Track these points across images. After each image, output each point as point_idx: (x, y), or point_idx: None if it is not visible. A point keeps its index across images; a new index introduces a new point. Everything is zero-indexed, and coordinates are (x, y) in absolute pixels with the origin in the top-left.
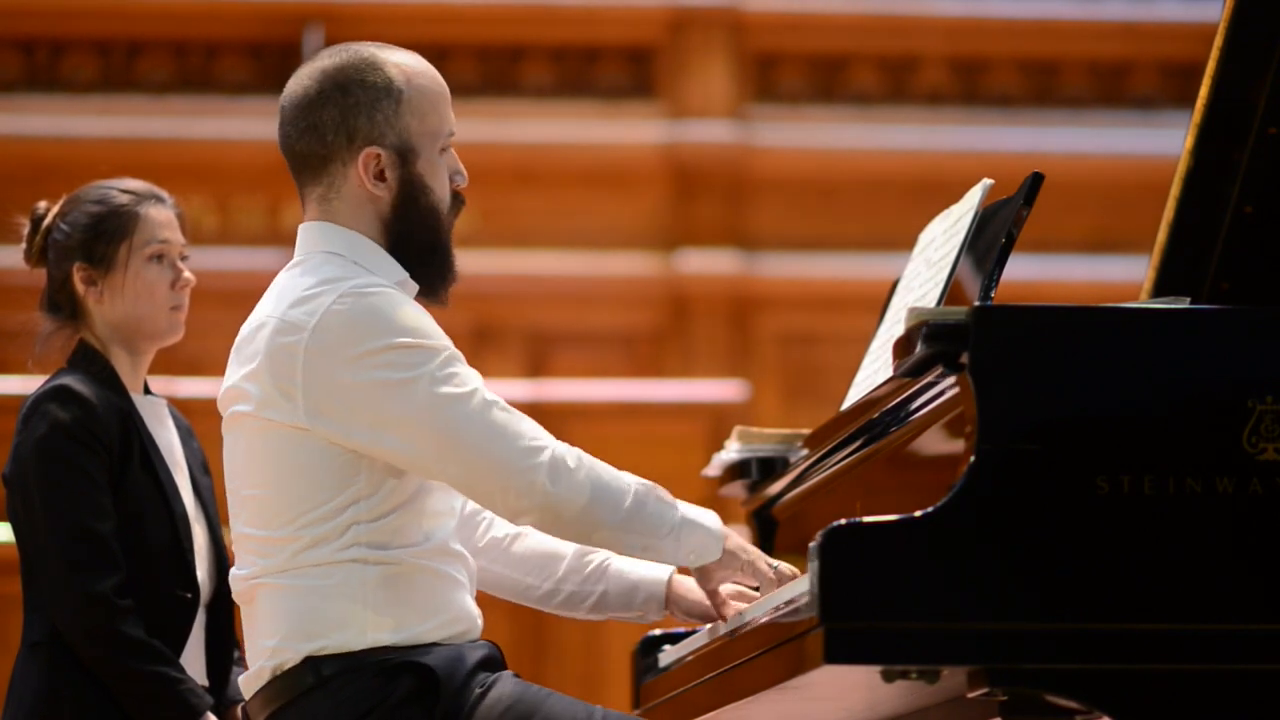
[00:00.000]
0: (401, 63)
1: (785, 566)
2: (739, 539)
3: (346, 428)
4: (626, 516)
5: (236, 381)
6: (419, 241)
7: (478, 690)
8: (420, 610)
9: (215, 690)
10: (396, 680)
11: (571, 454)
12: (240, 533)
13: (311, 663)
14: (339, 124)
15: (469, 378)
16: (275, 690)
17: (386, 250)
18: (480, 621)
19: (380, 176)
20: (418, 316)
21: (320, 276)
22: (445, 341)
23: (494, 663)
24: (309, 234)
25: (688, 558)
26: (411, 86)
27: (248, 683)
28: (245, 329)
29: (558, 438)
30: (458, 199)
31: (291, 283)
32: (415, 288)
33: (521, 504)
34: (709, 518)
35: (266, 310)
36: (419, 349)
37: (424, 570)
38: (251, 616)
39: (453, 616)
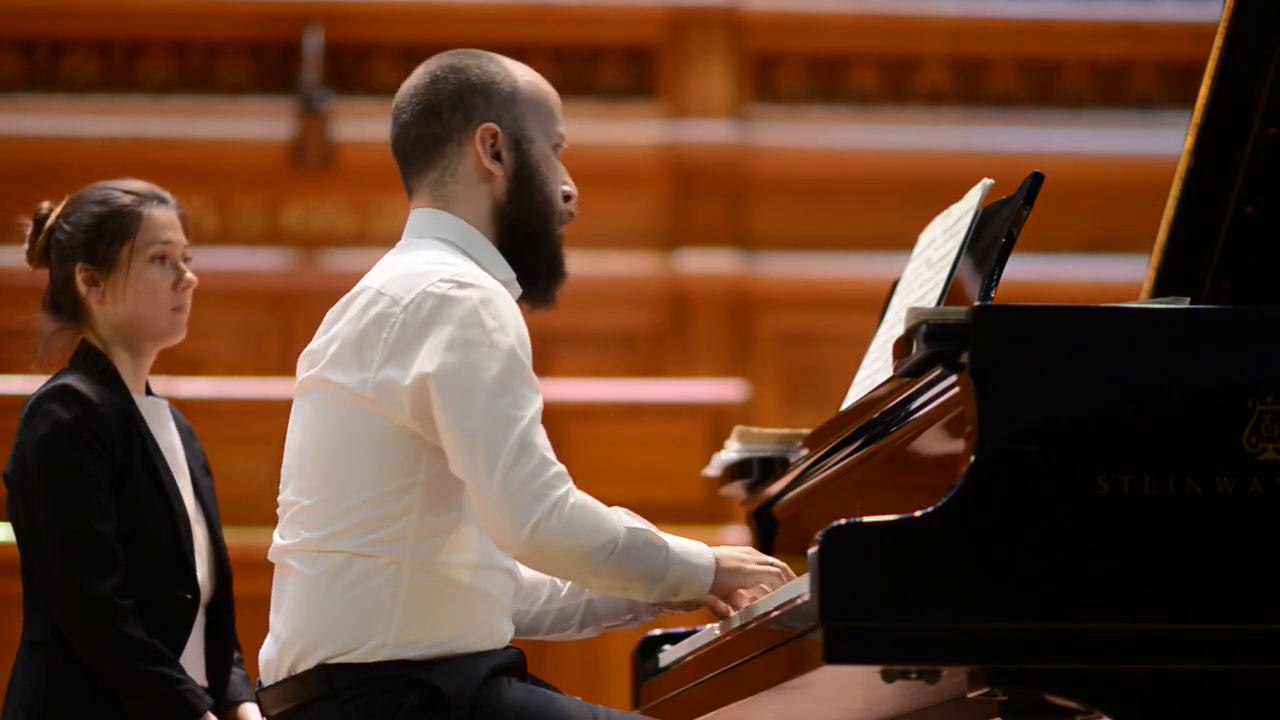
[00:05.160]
0: (514, 63)
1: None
2: (735, 557)
3: (404, 404)
4: (609, 565)
5: (316, 345)
6: (529, 231)
7: (485, 699)
8: (445, 628)
9: (215, 691)
10: (403, 698)
11: (569, 505)
12: (287, 499)
13: (324, 671)
14: (456, 102)
15: (525, 400)
16: (288, 691)
17: (497, 243)
18: (509, 638)
19: (496, 155)
20: (508, 319)
21: (427, 258)
22: (522, 352)
23: (509, 669)
24: (419, 219)
25: (672, 597)
26: (525, 80)
27: (266, 665)
28: (339, 302)
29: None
30: (569, 210)
31: (396, 261)
32: (519, 291)
33: (505, 540)
34: (696, 554)
35: (365, 282)
36: (494, 353)
37: (458, 587)
38: (280, 591)
39: (478, 636)
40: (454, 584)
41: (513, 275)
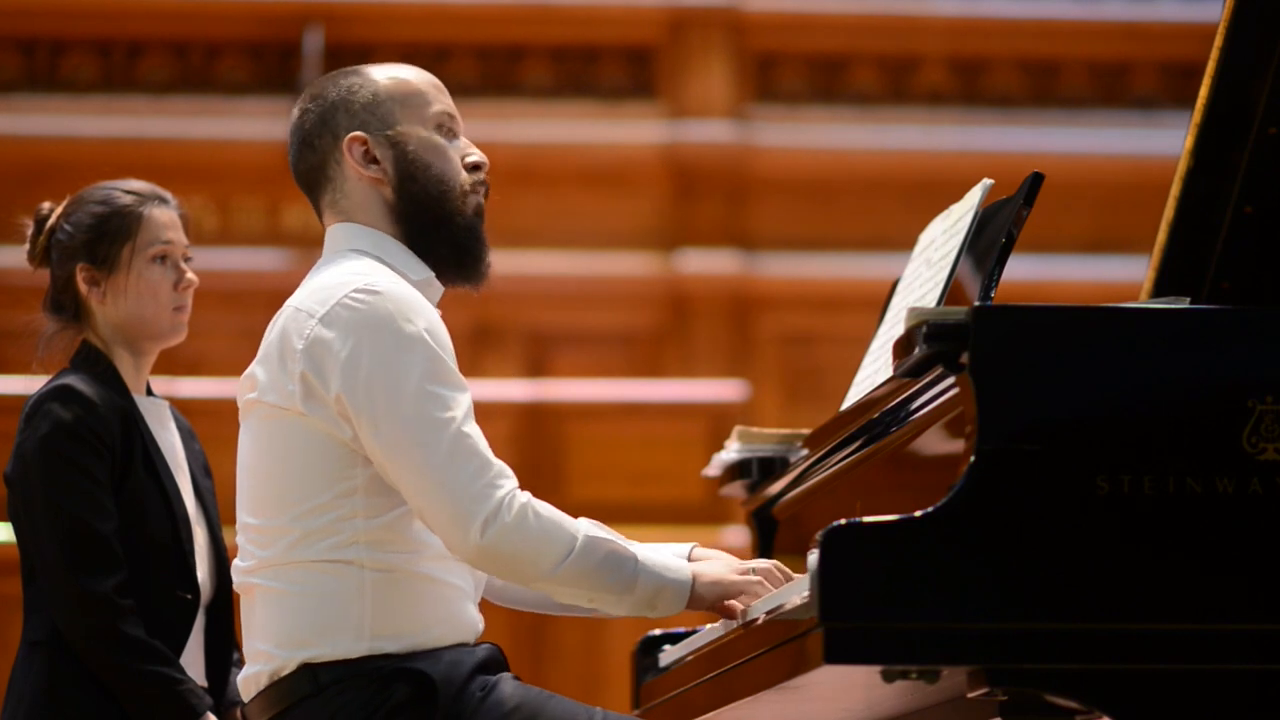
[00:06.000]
0: (377, 66)
1: (761, 563)
2: (715, 571)
3: (332, 418)
4: (566, 570)
5: (250, 369)
6: (427, 217)
7: (478, 694)
8: (416, 619)
9: (215, 691)
10: (391, 688)
11: (517, 504)
12: (242, 521)
13: (308, 670)
14: (321, 126)
15: (452, 401)
16: (273, 696)
17: (406, 241)
18: (480, 627)
19: (371, 159)
20: (426, 323)
21: (342, 270)
22: (443, 352)
23: (493, 665)
24: (334, 235)
25: (648, 611)
26: (387, 78)
27: (246, 684)
28: (270, 323)
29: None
30: (478, 180)
31: (314, 277)
32: (440, 291)
33: (456, 544)
34: (673, 569)
35: (287, 302)
36: (413, 359)
37: (420, 578)
38: (249, 615)
39: (450, 627)
40: (414, 576)
41: (429, 273)
